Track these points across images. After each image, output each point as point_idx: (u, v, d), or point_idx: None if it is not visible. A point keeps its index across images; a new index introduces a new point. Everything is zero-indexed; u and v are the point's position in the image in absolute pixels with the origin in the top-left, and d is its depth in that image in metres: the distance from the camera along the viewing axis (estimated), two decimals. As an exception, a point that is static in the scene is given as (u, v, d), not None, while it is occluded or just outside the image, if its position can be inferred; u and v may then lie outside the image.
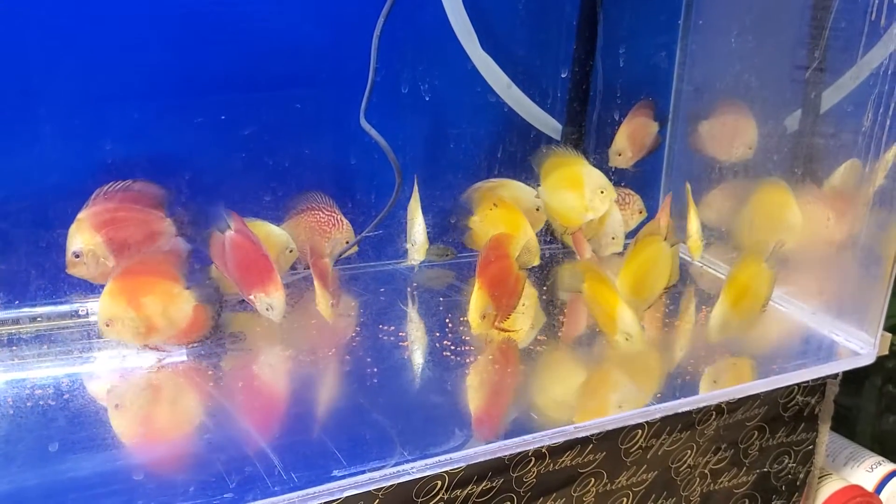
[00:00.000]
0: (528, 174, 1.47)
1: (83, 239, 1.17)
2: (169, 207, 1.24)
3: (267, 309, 1.22)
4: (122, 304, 1.11)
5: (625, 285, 1.28)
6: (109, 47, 1.25)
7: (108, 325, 1.12)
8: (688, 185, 1.47)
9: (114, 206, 1.19)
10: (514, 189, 1.48)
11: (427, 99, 1.45)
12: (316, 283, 1.23)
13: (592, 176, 1.43)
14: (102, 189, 1.18)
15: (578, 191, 1.43)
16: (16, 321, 1.20)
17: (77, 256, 1.17)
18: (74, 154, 1.25)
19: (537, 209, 1.47)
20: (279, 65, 1.37)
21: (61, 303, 1.26)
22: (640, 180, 1.61)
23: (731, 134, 1.53)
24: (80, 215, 1.18)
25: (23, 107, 1.21)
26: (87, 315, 1.26)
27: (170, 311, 1.14)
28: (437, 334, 1.31)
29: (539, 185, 1.46)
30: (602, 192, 1.43)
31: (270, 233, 1.33)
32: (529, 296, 1.41)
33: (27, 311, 1.22)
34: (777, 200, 1.43)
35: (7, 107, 1.21)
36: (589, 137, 1.59)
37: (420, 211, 1.41)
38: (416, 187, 1.42)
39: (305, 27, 1.38)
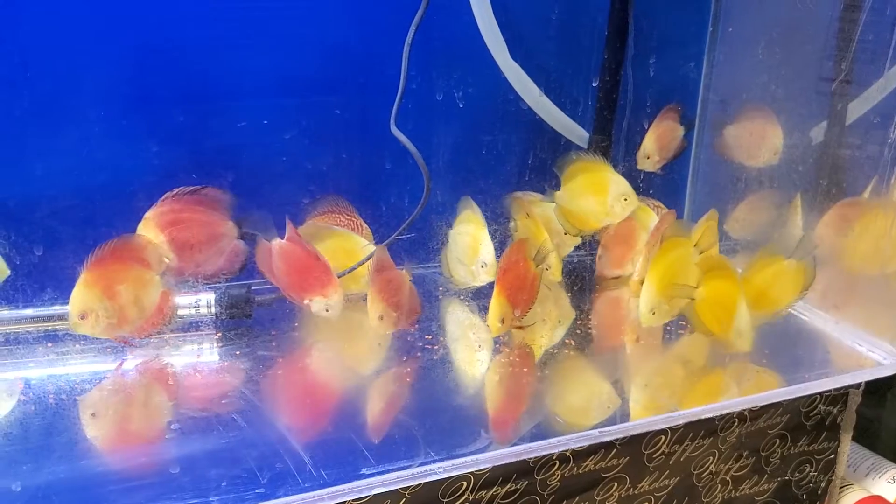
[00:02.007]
0: (558, 181, 1.47)
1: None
2: (233, 213, 1.24)
3: (327, 310, 1.22)
4: (97, 295, 1.09)
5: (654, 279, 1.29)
6: (157, 51, 1.28)
7: (82, 318, 1.09)
8: (714, 213, 1.41)
9: (180, 207, 1.19)
10: (546, 210, 1.47)
11: (461, 106, 1.46)
12: (369, 294, 1.22)
13: (617, 182, 1.43)
14: (173, 191, 1.19)
15: (601, 196, 1.42)
16: (61, 317, 1.21)
17: None
18: (122, 155, 1.28)
19: (565, 233, 1.47)
20: (319, 71, 1.39)
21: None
22: (667, 189, 1.62)
23: (757, 140, 1.53)
24: (148, 214, 1.18)
25: (73, 109, 1.24)
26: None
27: (141, 299, 1.13)
28: (466, 336, 1.32)
29: (557, 191, 1.45)
30: (625, 200, 1.42)
31: (351, 243, 1.33)
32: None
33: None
34: (883, 224, 1.38)
35: (58, 108, 1.23)
36: (618, 146, 1.59)
37: (487, 232, 1.38)
38: (477, 210, 1.39)
39: (346, 35, 1.40)
